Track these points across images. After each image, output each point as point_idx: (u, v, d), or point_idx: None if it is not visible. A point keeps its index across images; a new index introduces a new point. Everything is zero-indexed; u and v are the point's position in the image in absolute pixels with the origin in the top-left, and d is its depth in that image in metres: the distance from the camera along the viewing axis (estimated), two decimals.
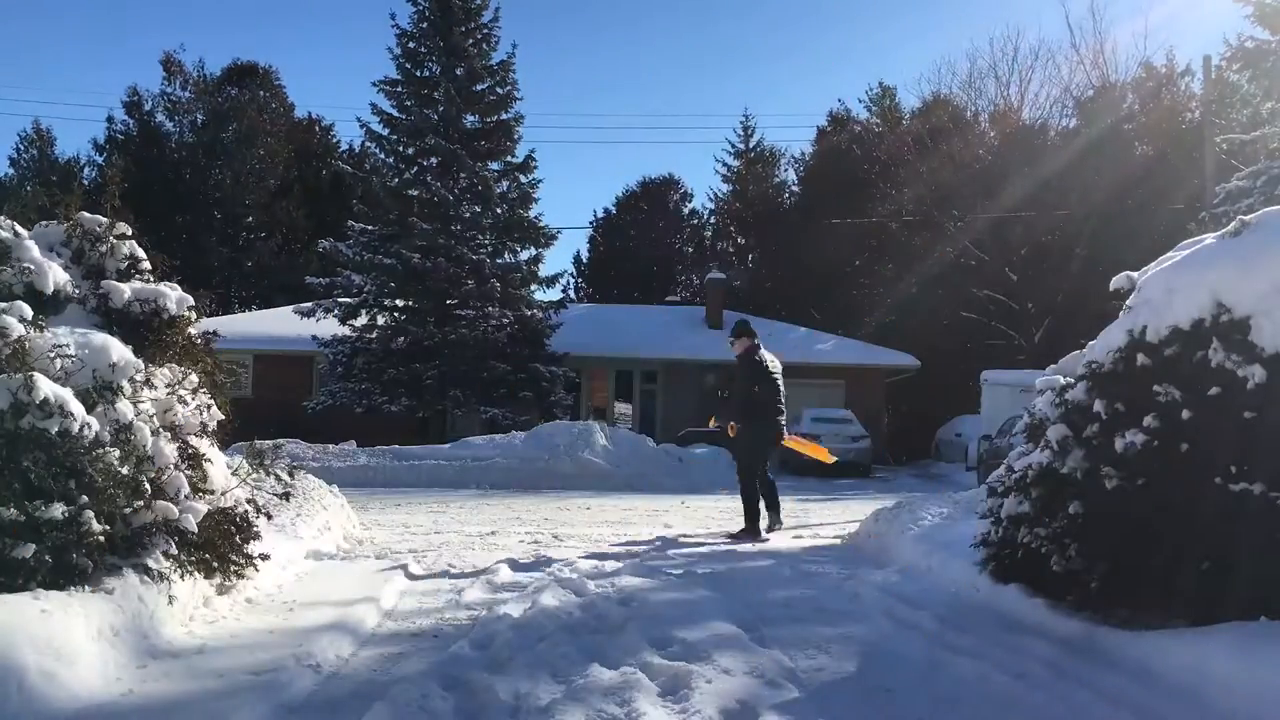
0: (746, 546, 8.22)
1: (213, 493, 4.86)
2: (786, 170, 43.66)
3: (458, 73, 24.86)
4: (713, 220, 45.18)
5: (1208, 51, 34.45)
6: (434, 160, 24.78)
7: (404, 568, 6.48)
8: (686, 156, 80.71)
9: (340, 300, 23.65)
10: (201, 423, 5.05)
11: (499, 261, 24.35)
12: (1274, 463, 3.52)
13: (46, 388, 3.80)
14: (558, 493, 13.99)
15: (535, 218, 25.13)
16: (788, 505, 14.30)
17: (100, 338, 4.45)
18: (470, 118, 25.32)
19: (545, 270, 25.28)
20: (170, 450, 4.54)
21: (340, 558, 7.06)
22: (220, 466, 5.08)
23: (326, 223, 31.50)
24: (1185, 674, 3.52)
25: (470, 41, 24.92)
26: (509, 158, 25.50)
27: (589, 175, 70.50)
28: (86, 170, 37.77)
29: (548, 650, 4.26)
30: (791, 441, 9.76)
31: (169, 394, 4.84)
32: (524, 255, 25.30)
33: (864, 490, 17.39)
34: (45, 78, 65.05)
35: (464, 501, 12.56)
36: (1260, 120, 19.04)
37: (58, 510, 3.75)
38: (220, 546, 4.77)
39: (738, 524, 9.09)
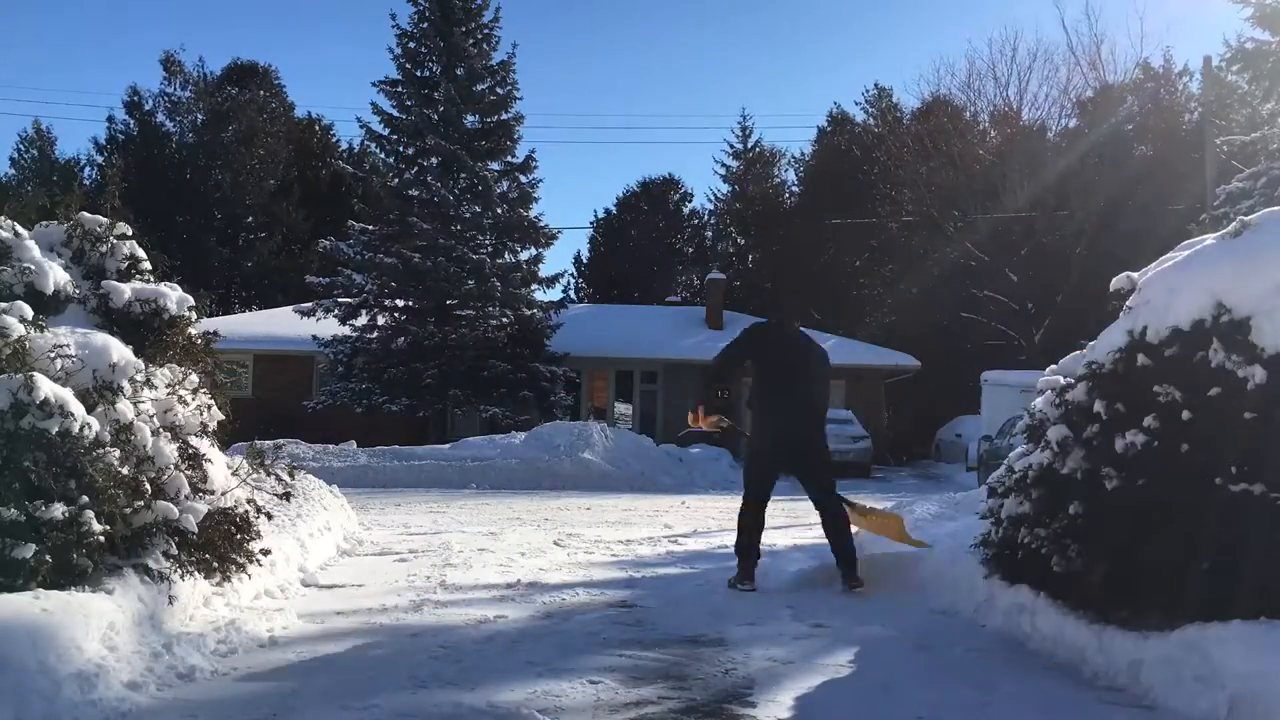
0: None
1: (213, 493, 4.86)
2: (786, 171, 43.70)
3: (458, 73, 24.86)
4: (713, 220, 45.17)
5: (1204, 53, 34.46)
6: (434, 160, 24.78)
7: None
8: (686, 156, 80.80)
9: (340, 300, 23.65)
10: (201, 423, 5.05)
11: (499, 261, 24.34)
12: (1275, 463, 3.51)
13: (47, 388, 3.80)
14: (558, 493, 14.00)
15: (535, 218, 25.13)
16: (784, 505, 14.26)
17: (100, 338, 4.45)
18: (470, 118, 25.32)
19: (545, 270, 25.31)
20: (170, 450, 4.54)
21: (341, 558, 7.06)
22: (220, 466, 5.08)
23: (326, 223, 31.46)
24: (1186, 673, 3.52)
25: (470, 41, 24.92)
26: (509, 158, 25.50)
27: (589, 175, 70.53)
28: (87, 170, 37.75)
29: None
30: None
31: (169, 394, 4.84)
32: (524, 255, 25.31)
33: (863, 490, 17.37)
34: (45, 78, 65.06)
35: (464, 501, 12.56)
36: (1260, 121, 19.03)
37: (58, 510, 3.75)
38: (220, 547, 4.76)
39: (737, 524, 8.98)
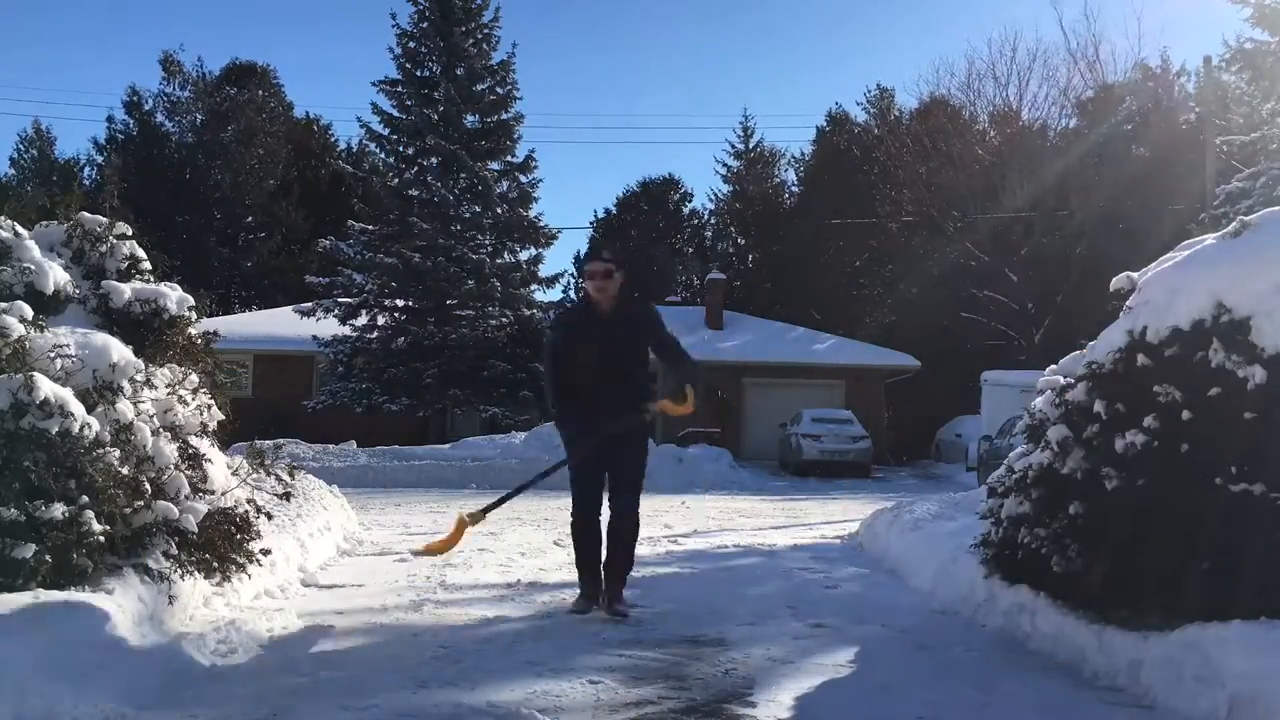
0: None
1: (213, 493, 4.86)
2: (786, 171, 43.68)
3: (458, 73, 24.87)
4: (713, 220, 45.17)
5: (1203, 52, 34.43)
6: (434, 160, 24.79)
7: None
8: (686, 156, 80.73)
9: (340, 300, 23.66)
10: (201, 423, 5.05)
11: (499, 261, 24.36)
12: (1275, 463, 3.52)
13: (47, 388, 3.80)
14: (558, 493, 13.98)
15: (535, 218, 25.16)
16: (781, 505, 14.29)
17: (100, 338, 4.45)
18: (470, 118, 25.33)
19: (545, 270, 25.35)
20: (170, 450, 4.54)
21: (341, 558, 7.06)
22: (220, 466, 5.08)
23: (326, 223, 31.47)
24: (1186, 673, 3.52)
25: (470, 41, 24.94)
26: (509, 158, 25.53)
27: (589, 175, 70.47)
28: (86, 170, 37.76)
29: None
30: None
31: (169, 394, 4.84)
32: (524, 255, 25.33)
33: (864, 490, 17.39)
34: (45, 78, 65.05)
35: (464, 501, 12.53)
36: (1259, 121, 19.03)
37: (58, 510, 3.75)
38: (220, 546, 4.76)
39: (737, 524, 8.81)
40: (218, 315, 27.97)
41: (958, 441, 25.07)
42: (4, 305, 4.21)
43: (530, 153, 25.43)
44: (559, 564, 6.97)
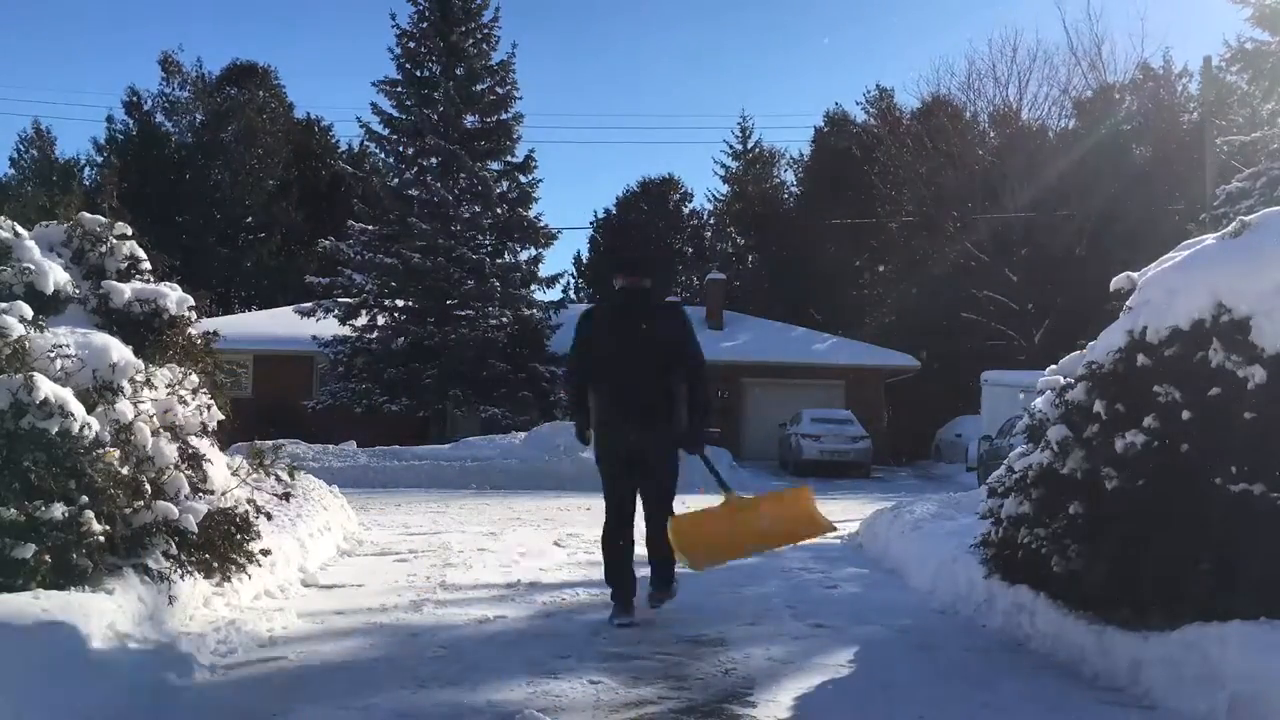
0: None
1: (213, 493, 4.86)
2: (785, 171, 43.71)
3: (458, 73, 24.89)
4: (713, 220, 45.19)
5: (1204, 53, 34.46)
6: (434, 160, 24.80)
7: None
8: (686, 156, 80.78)
9: (340, 300, 23.66)
10: (201, 423, 5.05)
11: (499, 261, 24.37)
12: (1275, 463, 3.52)
13: (47, 388, 3.80)
14: (558, 493, 14.00)
15: (535, 218, 25.17)
16: None
17: (100, 338, 4.46)
18: (470, 118, 25.34)
19: (545, 270, 25.37)
20: (170, 450, 4.54)
21: (341, 558, 7.06)
22: (220, 466, 5.08)
23: (326, 223, 31.47)
24: (1186, 673, 3.52)
25: (470, 41, 24.95)
26: (509, 158, 25.54)
27: (589, 175, 70.46)
28: (87, 170, 37.75)
29: None
30: None
31: (169, 394, 4.84)
32: (524, 255, 25.34)
33: (863, 491, 17.38)
34: (45, 78, 65.04)
35: (464, 501, 12.55)
36: (1259, 121, 19.06)
37: (58, 510, 3.75)
38: (220, 547, 4.76)
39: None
40: (218, 315, 27.96)
41: (958, 441, 25.07)
42: (4, 305, 4.21)
43: (530, 153, 25.47)
44: (559, 564, 6.97)
